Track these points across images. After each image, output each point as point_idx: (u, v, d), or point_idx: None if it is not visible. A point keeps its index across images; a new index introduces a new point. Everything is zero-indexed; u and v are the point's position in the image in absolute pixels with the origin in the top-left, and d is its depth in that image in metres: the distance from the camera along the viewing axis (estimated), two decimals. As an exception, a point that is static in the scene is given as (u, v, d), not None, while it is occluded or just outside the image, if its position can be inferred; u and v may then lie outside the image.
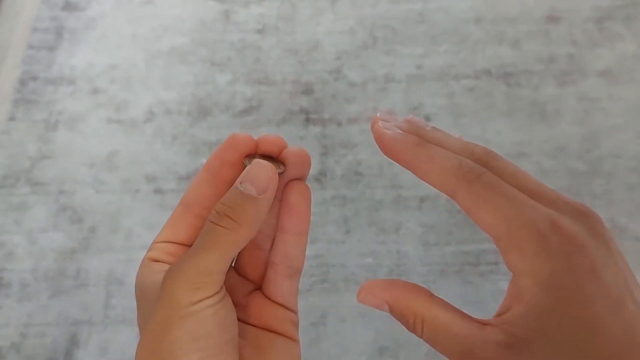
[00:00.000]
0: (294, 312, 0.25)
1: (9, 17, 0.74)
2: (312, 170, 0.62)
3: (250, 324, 0.24)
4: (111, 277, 0.55)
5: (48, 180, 0.61)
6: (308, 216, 0.24)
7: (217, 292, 0.20)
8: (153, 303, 0.20)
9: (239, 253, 0.25)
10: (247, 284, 0.25)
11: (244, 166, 0.23)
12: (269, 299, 0.24)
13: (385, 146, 0.22)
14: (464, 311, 0.21)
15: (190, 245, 0.24)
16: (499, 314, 0.20)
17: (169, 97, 0.66)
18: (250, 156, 0.23)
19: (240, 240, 0.20)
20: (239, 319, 0.23)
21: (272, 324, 0.23)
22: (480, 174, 0.20)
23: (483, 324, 0.20)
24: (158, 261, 0.23)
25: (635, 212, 0.55)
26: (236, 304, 0.23)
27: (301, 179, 0.24)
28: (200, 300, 0.19)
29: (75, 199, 0.59)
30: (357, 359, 0.50)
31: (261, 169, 0.21)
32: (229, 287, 0.23)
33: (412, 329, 0.22)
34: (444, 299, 0.22)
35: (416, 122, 0.24)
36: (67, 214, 0.58)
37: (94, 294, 0.54)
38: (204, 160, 0.64)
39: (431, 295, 0.22)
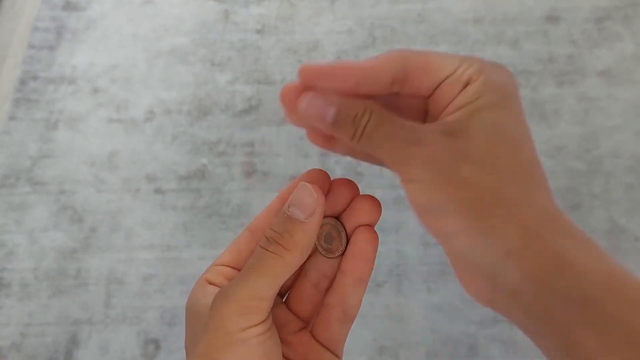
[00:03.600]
0: (339, 358, 0.24)
1: (10, 16, 0.74)
2: (312, 170, 0.63)
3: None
4: (111, 277, 0.55)
5: (48, 179, 0.61)
6: (372, 263, 0.24)
7: (264, 320, 0.20)
8: (203, 325, 0.21)
9: (292, 288, 0.25)
10: (296, 321, 0.25)
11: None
12: (317, 340, 0.24)
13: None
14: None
15: None
16: (442, 119, 0.21)
17: (169, 97, 0.66)
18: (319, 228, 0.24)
19: (289, 265, 0.20)
20: (284, 356, 0.23)
21: None
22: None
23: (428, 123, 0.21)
24: (213, 284, 0.23)
25: (634, 211, 0.55)
26: (283, 340, 0.23)
27: (370, 225, 0.24)
28: (248, 328, 0.19)
29: (75, 199, 0.59)
30: (357, 359, 0.51)
31: (307, 192, 0.21)
32: (278, 322, 0.23)
33: (353, 122, 0.20)
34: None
35: None
36: (68, 214, 0.59)
37: (94, 293, 0.54)
38: (204, 160, 0.65)
39: None
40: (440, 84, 0.21)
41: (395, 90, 0.22)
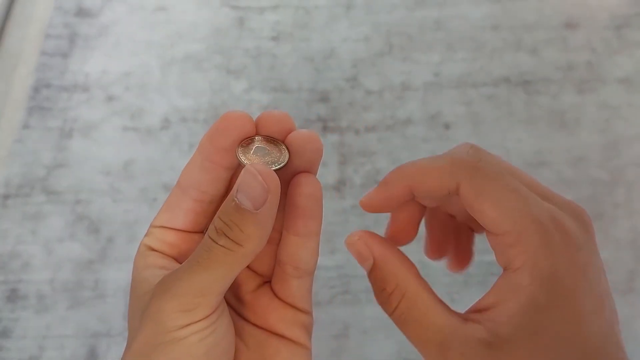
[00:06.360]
0: (307, 313, 0.22)
1: (21, 23, 0.73)
2: (331, 179, 0.62)
3: (255, 325, 0.21)
4: (130, 288, 0.54)
5: (64, 189, 0.60)
6: (318, 216, 0.21)
7: (208, 316, 0.18)
8: (140, 316, 0.19)
9: None
10: (255, 277, 0.22)
11: (238, 159, 0.20)
12: (278, 297, 0.22)
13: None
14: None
15: (190, 232, 0.22)
16: (479, 310, 0.19)
17: (185, 105, 0.65)
18: (246, 143, 0.20)
19: (240, 261, 0.18)
20: (243, 318, 0.22)
21: (279, 327, 0.21)
22: (476, 163, 0.20)
23: (465, 318, 0.19)
24: (155, 250, 0.22)
25: (657, 221, 0.55)
26: (241, 301, 0.22)
27: (310, 170, 0.21)
28: (188, 325, 0.18)
29: (91, 208, 0.59)
30: (380, 370, 0.50)
31: (254, 178, 0.18)
32: (235, 281, 0.21)
33: (384, 299, 0.20)
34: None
35: None
36: (84, 224, 0.58)
37: (112, 305, 0.54)
38: (222, 169, 0.64)
39: (419, 275, 0.21)
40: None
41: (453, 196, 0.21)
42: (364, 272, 0.52)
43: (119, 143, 0.63)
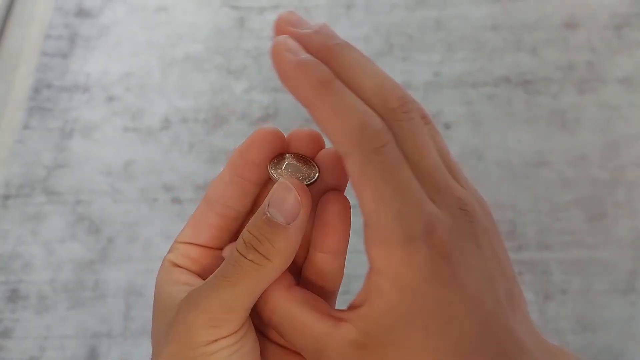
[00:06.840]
0: None
1: (21, 23, 0.73)
2: (330, 179, 0.62)
3: (278, 344, 0.22)
4: (130, 289, 0.54)
5: (64, 189, 0.60)
6: (346, 235, 0.21)
7: (236, 331, 0.18)
8: (167, 323, 0.19)
9: None
10: None
11: (270, 174, 0.20)
12: None
13: (285, 76, 0.18)
14: (322, 301, 0.19)
15: (213, 248, 0.22)
16: (354, 306, 0.19)
17: (185, 105, 0.65)
18: (277, 160, 0.21)
19: (269, 275, 0.19)
20: (266, 337, 0.22)
21: None
22: (380, 147, 0.17)
23: (339, 319, 0.19)
24: (178, 266, 0.22)
25: (657, 221, 0.55)
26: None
27: (339, 188, 0.21)
28: (216, 340, 0.18)
29: (92, 209, 0.59)
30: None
31: (288, 192, 0.18)
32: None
33: (256, 312, 0.20)
34: (304, 290, 0.20)
35: (327, 36, 0.19)
36: (85, 224, 0.58)
37: (113, 305, 0.54)
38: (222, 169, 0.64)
39: (290, 285, 0.20)
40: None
41: None
42: (365, 272, 0.52)
43: (119, 143, 0.63)
